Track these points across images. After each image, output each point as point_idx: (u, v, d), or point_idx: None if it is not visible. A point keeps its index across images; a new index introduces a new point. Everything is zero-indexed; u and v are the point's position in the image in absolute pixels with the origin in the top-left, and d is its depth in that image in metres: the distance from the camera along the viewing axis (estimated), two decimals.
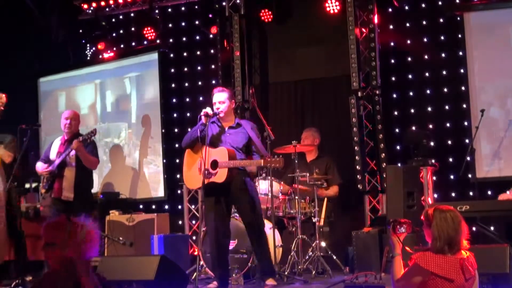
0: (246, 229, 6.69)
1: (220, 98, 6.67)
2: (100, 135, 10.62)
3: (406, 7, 9.26)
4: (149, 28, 10.30)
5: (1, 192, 7.48)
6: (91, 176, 7.86)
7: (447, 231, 3.93)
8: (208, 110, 6.56)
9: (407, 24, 9.32)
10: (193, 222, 9.90)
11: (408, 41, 9.29)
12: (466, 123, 8.76)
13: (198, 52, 10.55)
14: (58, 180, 7.46)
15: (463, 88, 8.83)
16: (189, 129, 10.31)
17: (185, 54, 10.64)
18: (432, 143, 8.71)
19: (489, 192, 8.56)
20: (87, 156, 7.49)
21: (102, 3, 10.81)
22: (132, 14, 10.97)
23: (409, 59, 9.28)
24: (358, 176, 8.89)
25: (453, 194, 8.77)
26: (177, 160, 10.26)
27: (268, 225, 7.49)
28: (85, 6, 10.90)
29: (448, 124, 9.00)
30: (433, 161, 8.45)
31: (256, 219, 6.61)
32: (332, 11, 9.29)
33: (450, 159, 8.88)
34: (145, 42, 10.63)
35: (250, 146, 6.67)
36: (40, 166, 7.65)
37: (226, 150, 6.46)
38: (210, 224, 6.62)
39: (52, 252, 3.53)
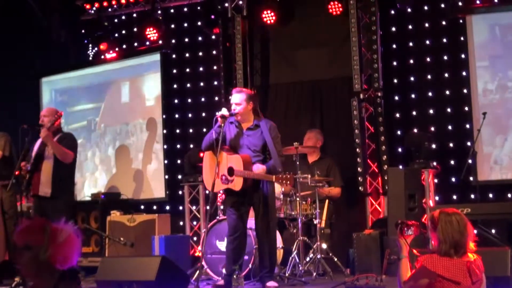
0: (256, 227, 6.70)
1: (236, 99, 6.65)
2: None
3: (409, 10, 9.24)
4: (151, 29, 10.28)
5: None
6: (72, 173, 7.47)
7: (452, 235, 3.92)
8: (223, 111, 6.56)
9: (409, 27, 9.32)
10: (194, 223, 9.89)
11: (410, 44, 9.28)
12: (468, 126, 8.75)
13: (200, 53, 10.55)
14: (36, 175, 7.12)
15: (465, 90, 8.82)
16: (190, 130, 10.40)
17: (187, 55, 10.64)
18: (433, 146, 8.71)
19: (491, 195, 8.56)
20: (57, 146, 7.11)
21: (105, 4, 10.83)
22: (134, 15, 10.98)
23: (411, 61, 9.28)
24: (359, 178, 8.89)
25: (454, 197, 8.75)
26: (179, 161, 10.27)
27: None
28: (88, 6, 10.92)
29: (449, 127, 9.00)
30: (434, 163, 8.46)
31: (267, 220, 6.61)
32: (334, 13, 9.27)
33: (452, 162, 8.87)
34: (147, 43, 10.62)
35: (267, 147, 6.66)
36: (22, 165, 7.28)
37: (241, 158, 6.45)
38: (228, 220, 6.70)
39: (28, 257, 3.11)
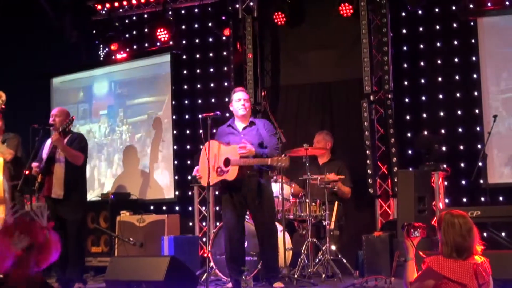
0: (256, 229, 6.69)
1: (245, 96, 6.87)
2: None
3: (419, 12, 9.22)
4: (162, 30, 10.31)
5: (6, 191, 7.47)
6: (84, 174, 7.54)
7: (453, 238, 3.91)
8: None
9: (420, 29, 9.29)
10: (204, 223, 9.89)
11: (421, 46, 9.26)
12: (478, 129, 8.72)
13: (211, 54, 10.55)
14: (48, 178, 7.18)
15: (475, 93, 8.80)
16: (200, 131, 10.43)
17: (197, 55, 10.65)
18: (444, 148, 8.69)
19: (501, 198, 8.53)
20: (67, 149, 7.15)
21: (116, 4, 10.86)
22: (145, 15, 11.00)
23: (422, 63, 9.26)
24: (369, 180, 8.87)
25: (464, 200, 8.73)
26: (188, 162, 10.26)
27: (278, 228, 7.49)
28: (99, 6, 10.96)
29: (460, 129, 8.97)
30: (444, 166, 8.43)
31: (267, 221, 6.62)
32: (345, 15, 9.26)
33: (462, 164, 8.84)
34: (158, 44, 10.64)
35: (264, 144, 6.70)
36: (33, 166, 7.32)
37: (238, 148, 6.50)
38: (225, 220, 6.75)
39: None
